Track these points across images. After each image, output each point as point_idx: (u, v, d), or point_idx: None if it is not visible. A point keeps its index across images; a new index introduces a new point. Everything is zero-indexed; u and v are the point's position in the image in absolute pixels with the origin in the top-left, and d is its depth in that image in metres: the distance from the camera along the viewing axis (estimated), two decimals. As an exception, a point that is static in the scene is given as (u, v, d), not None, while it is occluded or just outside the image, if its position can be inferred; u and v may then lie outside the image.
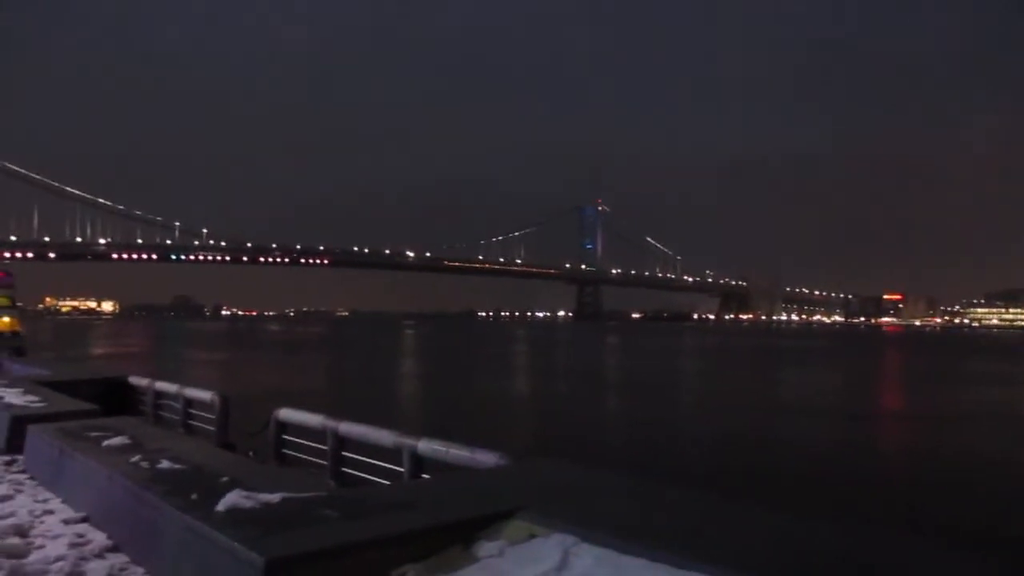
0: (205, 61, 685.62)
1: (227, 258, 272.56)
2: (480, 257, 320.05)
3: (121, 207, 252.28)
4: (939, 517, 16.80)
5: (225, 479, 6.40)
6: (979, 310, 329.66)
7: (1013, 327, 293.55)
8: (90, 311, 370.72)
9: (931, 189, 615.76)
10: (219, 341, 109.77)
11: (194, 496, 5.82)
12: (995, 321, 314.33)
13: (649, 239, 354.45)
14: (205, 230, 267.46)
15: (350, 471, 9.77)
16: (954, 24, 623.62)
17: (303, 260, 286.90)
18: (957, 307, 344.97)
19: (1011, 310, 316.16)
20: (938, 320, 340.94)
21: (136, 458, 7.56)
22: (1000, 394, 46.84)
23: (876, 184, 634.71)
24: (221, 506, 5.37)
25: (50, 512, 7.49)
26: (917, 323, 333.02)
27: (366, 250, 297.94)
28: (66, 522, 7.12)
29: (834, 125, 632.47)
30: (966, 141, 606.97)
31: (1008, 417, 36.00)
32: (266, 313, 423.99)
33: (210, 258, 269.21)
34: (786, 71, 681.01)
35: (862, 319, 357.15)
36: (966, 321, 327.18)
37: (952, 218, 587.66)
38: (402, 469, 8.60)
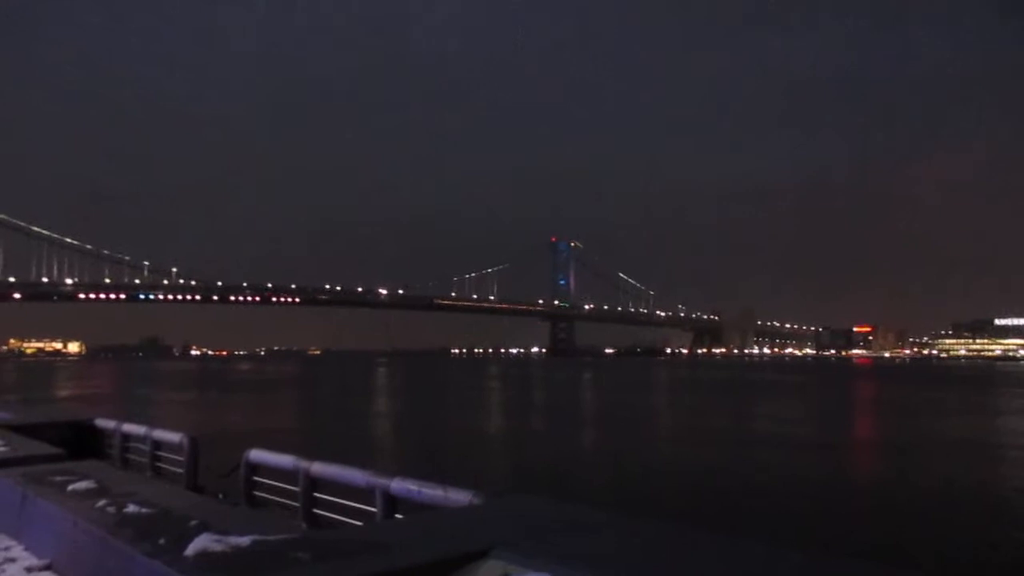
0: (172, 96, 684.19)
1: (197, 297, 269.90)
2: (453, 294, 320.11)
3: (89, 246, 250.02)
4: (896, 544, 16.90)
5: (194, 522, 6.27)
6: (947, 341, 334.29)
7: (980, 357, 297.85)
8: (56, 352, 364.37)
9: (900, 222, 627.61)
10: (188, 382, 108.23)
11: (162, 541, 5.68)
12: (963, 352, 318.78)
13: (622, 275, 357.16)
14: (174, 269, 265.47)
15: (322, 512, 9.62)
16: (926, 56, 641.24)
17: (274, 299, 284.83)
18: (926, 339, 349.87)
19: (978, 341, 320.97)
20: (907, 352, 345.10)
21: (102, 503, 7.39)
22: (963, 423, 47.48)
23: (846, 217, 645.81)
24: (190, 550, 5.26)
25: (12, 560, 7.29)
26: (887, 355, 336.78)
27: (338, 288, 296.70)
28: (29, 570, 6.94)
29: (806, 160, 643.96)
30: (936, 174, 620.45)
31: (966, 445, 36.42)
32: (237, 353, 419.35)
33: (179, 298, 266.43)
34: (760, 106, 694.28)
35: (833, 351, 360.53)
36: (935, 352, 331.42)
37: (920, 251, 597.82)
38: (375, 509, 8.49)
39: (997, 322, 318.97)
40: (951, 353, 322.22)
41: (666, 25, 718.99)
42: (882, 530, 19.13)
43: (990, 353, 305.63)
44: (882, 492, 25.38)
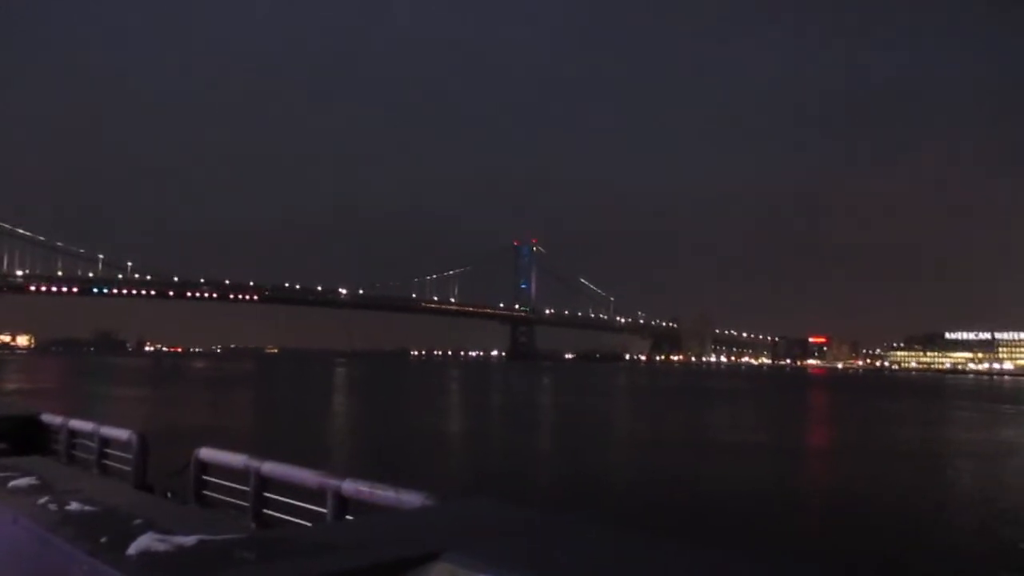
0: (132, 89, 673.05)
1: (152, 292, 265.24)
2: (414, 295, 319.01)
3: (42, 238, 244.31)
4: (837, 549, 17.21)
5: (139, 521, 6.15)
6: (899, 353, 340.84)
7: (930, 370, 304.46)
8: (4, 345, 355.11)
9: (855, 235, 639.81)
10: (141, 378, 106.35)
11: (104, 539, 5.55)
12: (914, 364, 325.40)
13: (583, 280, 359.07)
14: (130, 263, 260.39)
15: (272, 513, 9.52)
16: (876, 66, 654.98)
17: (232, 296, 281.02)
18: (878, 350, 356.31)
19: (928, 353, 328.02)
20: (860, 363, 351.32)
21: (44, 500, 7.22)
22: (902, 432, 48.67)
23: (804, 229, 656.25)
24: (132, 550, 5.14)
25: (-52, 557, 7.08)
26: (840, 365, 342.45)
27: (298, 286, 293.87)
28: (-35, 568, 6.74)
29: (765, 171, 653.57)
30: (892, 187, 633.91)
31: (910, 453, 37.26)
32: (193, 349, 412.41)
33: (134, 292, 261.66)
34: (719, 114, 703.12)
35: (788, 361, 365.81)
36: (887, 364, 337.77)
37: (875, 264, 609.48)
38: (325, 510, 8.41)
39: (947, 336, 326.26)
40: (903, 365, 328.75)
41: (633, 33, 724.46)
42: (824, 534, 19.47)
43: (940, 366, 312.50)
44: (830, 497, 25.85)
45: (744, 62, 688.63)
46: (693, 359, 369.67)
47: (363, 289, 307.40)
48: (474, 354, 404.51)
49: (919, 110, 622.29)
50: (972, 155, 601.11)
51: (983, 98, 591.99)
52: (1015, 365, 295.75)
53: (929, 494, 26.68)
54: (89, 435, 14.24)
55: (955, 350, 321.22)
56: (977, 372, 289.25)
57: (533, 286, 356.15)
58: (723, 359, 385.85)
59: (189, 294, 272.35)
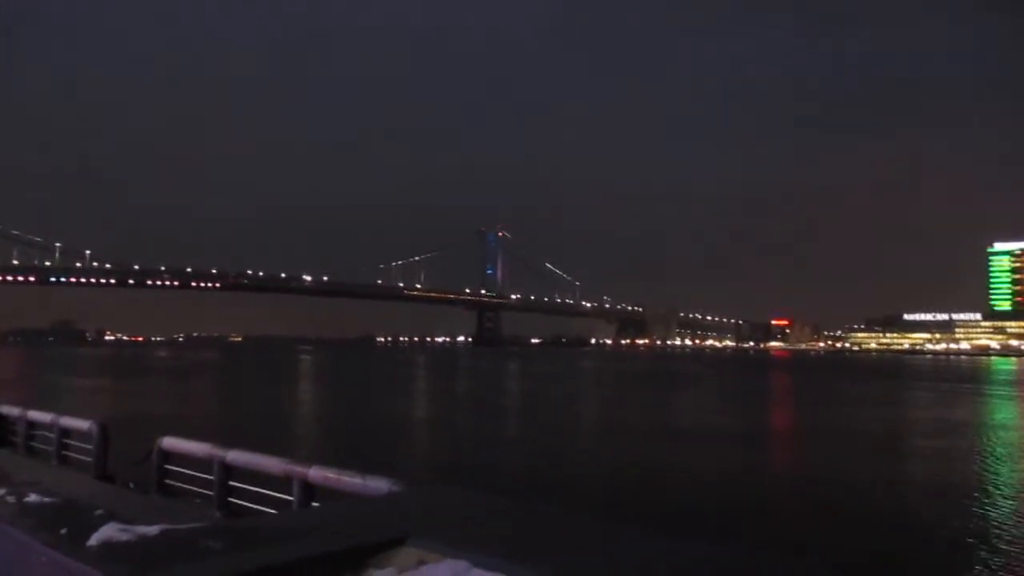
0: (94, 73, 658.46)
1: (112, 281, 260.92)
2: (380, 282, 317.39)
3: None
4: (804, 536, 17.53)
5: (100, 512, 6.08)
6: (859, 335, 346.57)
7: (889, 350, 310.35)
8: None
9: (817, 217, 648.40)
10: (101, 367, 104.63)
11: (64, 531, 5.48)
12: (873, 345, 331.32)
13: (549, 265, 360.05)
14: (88, 251, 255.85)
15: (237, 501, 9.46)
16: (839, 55, 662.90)
17: (194, 283, 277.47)
18: (839, 332, 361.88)
19: (888, 334, 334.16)
20: (822, 344, 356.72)
21: (2, 492, 7.11)
22: (858, 413, 49.63)
23: (767, 213, 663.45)
24: (93, 540, 5.07)
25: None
26: (803, 347, 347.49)
27: (261, 273, 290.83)
28: (-79, 563, 6.60)
29: (728, 158, 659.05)
30: (849, 171, 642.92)
31: (862, 434, 38.03)
32: (154, 338, 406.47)
33: (93, 281, 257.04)
34: (683, 105, 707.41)
35: (752, 343, 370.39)
36: (847, 345, 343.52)
37: (836, 246, 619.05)
38: (292, 498, 8.38)
39: (906, 317, 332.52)
40: (863, 346, 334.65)
41: (602, 27, 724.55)
42: (784, 516, 19.82)
43: (899, 347, 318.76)
44: (792, 479, 26.31)
45: (708, 55, 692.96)
46: (658, 343, 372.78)
47: (328, 276, 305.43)
48: (441, 340, 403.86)
49: (879, 101, 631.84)
50: (932, 143, 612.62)
51: (943, 89, 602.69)
52: (971, 345, 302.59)
53: (885, 473, 27.22)
54: (48, 426, 14.01)
55: (913, 331, 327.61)
56: (935, 352, 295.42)
57: (499, 272, 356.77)
58: (688, 342, 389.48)
59: (150, 282, 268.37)
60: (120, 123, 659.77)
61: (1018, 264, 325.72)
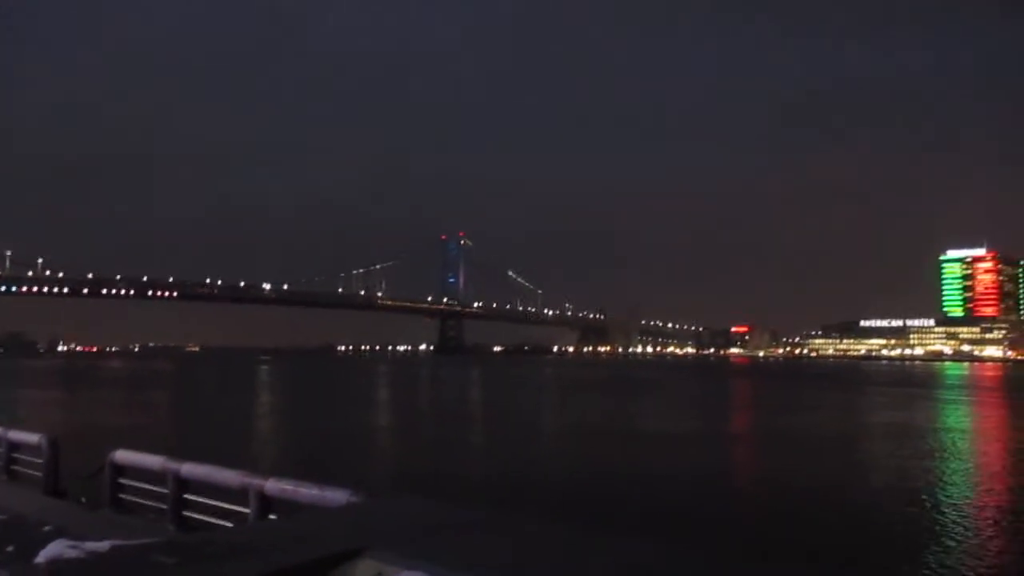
0: (47, 78, 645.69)
1: (65, 290, 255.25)
2: (340, 291, 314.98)
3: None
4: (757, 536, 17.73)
5: (49, 528, 5.92)
6: (817, 341, 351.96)
7: (846, 357, 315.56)
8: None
9: (775, 225, 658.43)
10: (53, 379, 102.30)
11: (10, 548, 5.32)
12: (831, 352, 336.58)
13: (511, 273, 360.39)
14: (40, 259, 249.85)
15: (193, 515, 9.29)
16: (806, 58, 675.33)
17: (150, 293, 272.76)
18: (798, 338, 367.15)
19: (844, 341, 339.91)
20: (780, 351, 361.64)
21: (-54, 509, 6.88)
22: (812, 418, 50.67)
23: (726, 221, 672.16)
24: (41, 557, 4.93)
25: None
26: (762, 354, 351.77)
27: (219, 282, 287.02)
28: None
29: (688, 164, 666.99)
30: (806, 178, 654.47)
31: (815, 437, 38.66)
32: (109, 349, 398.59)
33: (45, 290, 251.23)
34: (644, 111, 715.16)
35: (712, 350, 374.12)
36: (806, 352, 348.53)
37: (794, 253, 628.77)
38: (248, 511, 8.25)
39: (862, 323, 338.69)
40: (820, 352, 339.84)
41: (569, 30, 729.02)
42: (738, 518, 20.03)
43: (855, 353, 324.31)
44: (748, 482, 26.61)
45: (670, 61, 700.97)
46: (620, 350, 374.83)
47: (287, 284, 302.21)
48: (402, 349, 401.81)
49: (834, 108, 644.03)
50: (887, 151, 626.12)
51: (897, 97, 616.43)
52: (925, 351, 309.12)
53: (839, 475, 27.68)
54: (-4, 440, 13.65)
55: (870, 337, 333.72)
56: (890, 358, 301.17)
57: (461, 280, 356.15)
58: (649, 349, 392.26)
59: (104, 291, 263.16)
60: (69, 126, 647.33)
61: (969, 271, 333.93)
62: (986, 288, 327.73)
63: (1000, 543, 17.86)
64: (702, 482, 26.13)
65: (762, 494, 24.60)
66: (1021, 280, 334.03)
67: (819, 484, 25.84)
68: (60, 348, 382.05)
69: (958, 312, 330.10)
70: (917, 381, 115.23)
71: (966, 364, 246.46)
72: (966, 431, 44.67)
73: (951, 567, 15.68)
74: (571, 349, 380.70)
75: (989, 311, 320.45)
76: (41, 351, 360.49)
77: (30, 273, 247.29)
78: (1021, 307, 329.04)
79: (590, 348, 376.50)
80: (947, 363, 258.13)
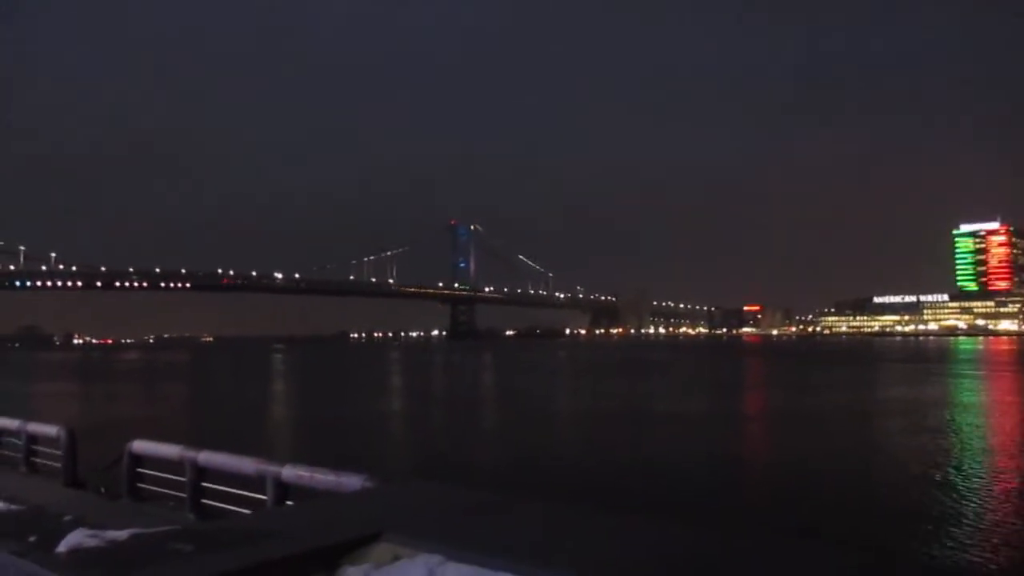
0: (52, 70, 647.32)
1: (79, 284, 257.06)
2: (352, 278, 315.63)
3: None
4: (777, 513, 17.75)
5: (69, 518, 5.99)
6: (830, 319, 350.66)
7: (860, 334, 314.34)
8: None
9: (787, 203, 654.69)
10: (69, 372, 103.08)
11: (32, 538, 5.39)
12: (844, 329, 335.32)
13: (522, 257, 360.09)
14: (53, 254, 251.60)
15: (211, 503, 9.38)
16: (808, 44, 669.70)
17: (163, 284, 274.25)
18: (810, 316, 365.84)
19: (858, 318, 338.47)
20: (793, 329, 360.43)
21: (-32, 502, 6.97)
22: (828, 395, 50.50)
23: (738, 200, 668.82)
24: (62, 547, 4.99)
25: None
26: (775, 332, 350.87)
27: (231, 272, 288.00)
28: None
29: (700, 144, 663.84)
30: (817, 156, 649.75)
31: (831, 415, 38.58)
32: (124, 341, 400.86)
33: (59, 284, 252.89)
34: (655, 93, 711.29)
35: (724, 330, 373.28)
36: (818, 329, 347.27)
37: (806, 230, 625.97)
38: (265, 497, 8.32)
39: (875, 300, 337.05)
40: (833, 330, 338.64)
41: (572, 18, 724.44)
42: (756, 499, 20.05)
43: (869, 329, 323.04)
44: (764, 461, 26.62)
45: (682, 44, 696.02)
46: (632, 332, 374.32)
47: (299, 273, 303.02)
48: (415, 335, 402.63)
49: (847, 89, 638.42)
50: (900, 126, 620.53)
51: (908, 74, 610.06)
52: (939, 326, 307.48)
53: (849, 453, 27.64)
54: (15, 433, 13.78)
55: (883, 314, 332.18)
56: (904, 334, 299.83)
57: (472, 265, 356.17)
58: (662, 330, 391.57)
59: (118, 284, 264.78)
60: (80, 122, 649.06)
61: (982, 245, 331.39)
62: (1000, 262, 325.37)
63: (1004, 518, 17.88)
64: (715, 463, 26.12)
65: (773, 474, 24.65)
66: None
67: (830, 462, 25.83)
68: (75, 341, 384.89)
69: (972, 286, 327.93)
70: (930, 357, 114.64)
71: (980, 338, 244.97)
72: (977, 407, 44.46)
73: (958, 542, 15.68)
74: (583, 332, 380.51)
75: (1003, 285, 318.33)
76: (57, 344, 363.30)
77: (44, 268, 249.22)
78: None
79: (602, 330, 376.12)
80: (961, 338, 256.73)
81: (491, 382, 76.00)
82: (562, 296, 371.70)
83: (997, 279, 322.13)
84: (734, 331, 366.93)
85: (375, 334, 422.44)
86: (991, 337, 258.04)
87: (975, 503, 19.22)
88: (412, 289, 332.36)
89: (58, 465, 12.36)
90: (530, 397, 54.66)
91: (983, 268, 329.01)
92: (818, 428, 34.79)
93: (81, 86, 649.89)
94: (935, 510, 18.51)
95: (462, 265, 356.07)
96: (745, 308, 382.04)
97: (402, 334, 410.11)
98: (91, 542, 5.04)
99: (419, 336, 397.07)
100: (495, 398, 57.27)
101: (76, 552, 4.91)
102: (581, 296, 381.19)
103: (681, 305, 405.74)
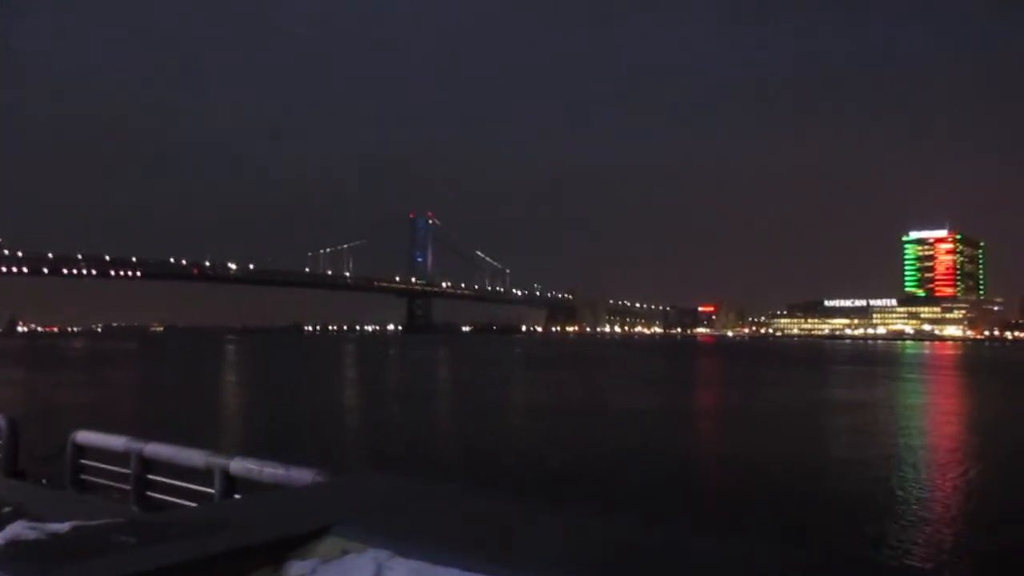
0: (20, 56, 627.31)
1: (24, 269, 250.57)
2: (307, 269, 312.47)
3: None
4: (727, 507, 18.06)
5: (8, 509, 5.85)
6: (782, 320, 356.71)
7: (811, 336, 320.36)
8: None
9: (740, 205, 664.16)
10: (13, 359, 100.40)
11: (-32, 530, 5.24)
12: (796, 331, 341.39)
13: (479, 252, 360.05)
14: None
15: (157, 495, 9.24)
16: (765, 46, 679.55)
17: (113, 272, 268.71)
18: (763, 318, 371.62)
19: (810, 320, 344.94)
20: (746, 330, 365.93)
21: (-99, 491, 6.76)
22: (774, 394, 51.81)
23: (692, 200, 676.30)
24: (1, 539, 4.87)
25: None
26: (729, 333, 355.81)
27: (183, 261, 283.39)
28: None
29: (647, 142, 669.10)
30: (770, 158, 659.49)
31: (777, 413, 39.40)
32: (70, 329, 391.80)
33: (4, 269, 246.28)
34: (613, 88, 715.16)
35: (679, 329, 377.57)
36: (771, 331, 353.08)
37: (760, 233, 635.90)
38: (213, 491, 8.21)
39: (826, 303, 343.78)
40: (785, 332, 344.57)
41: (536, 13, 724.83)
42: (695, 492, 20.37)
43: (820, 332, 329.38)
44: (708, 456, 27.06)
45: (636, 40, 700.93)
46: (588, 330, 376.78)
47: (254, 263, 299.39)
48: (370, 328, 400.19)
49: (799, 90, 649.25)
50: (852, 133, 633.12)
51: (860, 79, 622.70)
52: (887, 330, 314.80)
53: (791, 450, 28.26)
54: (-47, 421, 13.41)
55: (833, 317, 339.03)
56: (853, 337, 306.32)
57: (429, 259, 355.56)
58: (617, 329, 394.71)
59: (66, 270, 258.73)
60: (42, 106, 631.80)
61: (930, 252, 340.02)
62: (946, 268, 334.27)
63: (932, 513, 18.53)
64: (661, 457, 26.58)
65: (716, 468, 25.15)
66: (981, 261, 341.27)
67: (772, 458, 26.40)
68: (20, 328, 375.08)
69: (919, 292, 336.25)
70: (875, 359, 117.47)
71: (926, 343, 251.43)
72: (913, 408, 45.88)
73: (892, 535, 16.16)
74: (539, 329, 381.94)
75: (949, 291, 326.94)
76: (0, 331, 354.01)
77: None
78: (981, 287, 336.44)
79: (558, 327, 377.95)
80: (908, 342, 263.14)
81: (446, 376, 75.96)
82: (519, 293, 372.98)
83: (943, 285, 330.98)
84: (688, 331, 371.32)
85: (330, 327, 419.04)
86: (936, 342, 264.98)
87: (904, 498, 19.90)
88: (368, 282, 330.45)
89: (-3, 455, 12.07)
90: (484, 391, 54.79)
91: (930, 275, 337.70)
92: (763, 426, 35.60)
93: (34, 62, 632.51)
94: (867, 505, 19.12)
95: (419, 259, 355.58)
96: (700, 308, 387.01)
97: (357, 327, 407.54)
98: (31, 534, 4.91)
99: (375, 329, 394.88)
100: (449, 391, 57.28)
101: (15, 544, 4.78)
102: (538, 293, 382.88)
103: (637, 304, 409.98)
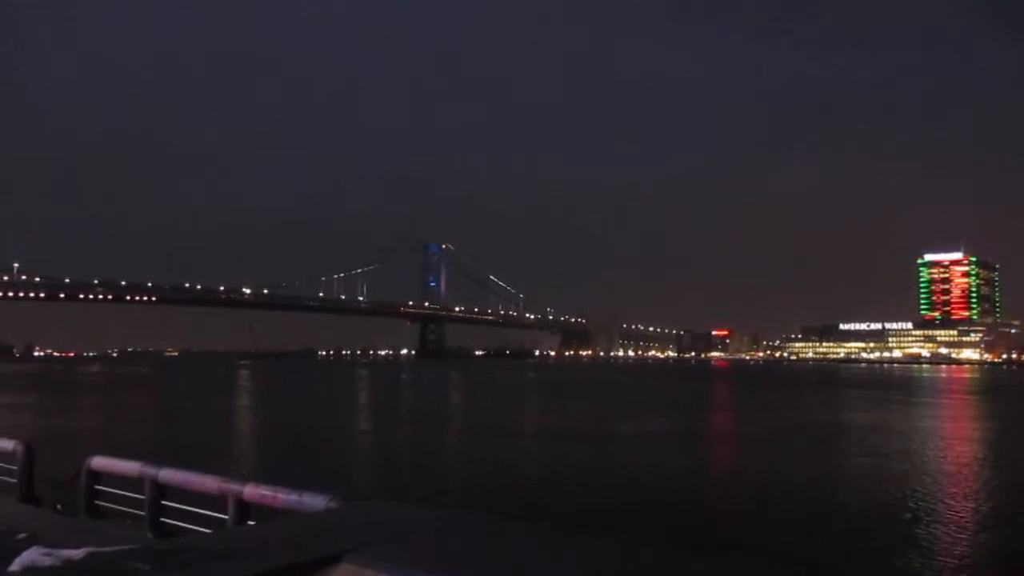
0: (25, 77, 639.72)
1: (41, 295, 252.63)
2: (321, 294, 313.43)
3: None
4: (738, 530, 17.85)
5: (23, 536, 5.87)
6: (797, 344, 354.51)
7: (826, 360, 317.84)
8: None
9: (756, 228, 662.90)
10: (29, 384, 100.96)
11: (-16, 556, 5.27)
12: (810, 354, 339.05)
13: (492, 277, 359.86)
14: (16, 264, 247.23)
15: (170, 521, 9.23)
16: (781, 68, 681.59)
17: (128, 297, 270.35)
18: (778, 341, 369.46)
19: (824, 344, 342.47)
20: (761, 354, 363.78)
21: (-82, 517, 6.80)
22: (791, 417, 51.15)
23: (708, 225, 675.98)
24: (15, 565, 4.90)
25: None
26: (743, 357, 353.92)
27: (198, 287, 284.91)
28: None
29: (668, 168, 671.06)
30: (787, 183, 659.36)
31: (793, 437, 39.00)
32: (86, 354, 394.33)
33: (21, 295, 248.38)
34: (622, 113, 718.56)
35: (693, 353, 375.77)
36: (785, 355, 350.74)
37: (774, 257, 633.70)
38: (227, 516, 8.20)
39: (841, 327, 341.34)
40: (800, 355, 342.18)
41: (538, 35, 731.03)
42: (712, 514, 20.16)
43: (835, 356, 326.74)
44: (721, 483, 26.80)
45: (645, 62, 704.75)
46: (602, 354, 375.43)
47: (267, 288, 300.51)
48: (383, 353, 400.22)
49: (816, 114, 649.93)
50: (868, 157, 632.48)
51: (877, 104, 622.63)
52: (903, 354, 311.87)
53: (806, 474, 27.96)
54: (-31, 447, 13.47)
55: (849, 340, 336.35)
56: (869, 361, 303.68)
57: (443, 284, 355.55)
58: (631, 353, 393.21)
59: (82, 296, 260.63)
60: (46, 131, 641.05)
61: (946, 275, 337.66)
62: (962, 291, 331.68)
63: (938, 533, 18.35)
64: (676, 482, 26.35)
65: (730, 493, 24.89)
66: (997, 283, 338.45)
67: (787, 482, 26.14)
68: (36, 353, 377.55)
69: (935, 315, 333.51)
70: (891, 384, 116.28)
71: (943, 367, 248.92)
72: (926, 432, 45.34)
73: (904, 560, 15.96)
74: (553, 353, 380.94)
75: (965, 314, 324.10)
76: (17, 355, 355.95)
77: (5, 278, 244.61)
78: (997, 310, 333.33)
79: (572, 352, 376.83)
80: (924, 366, 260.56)
81: (459, 401, 75.70)
82: (532, 317, 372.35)
83: (960, 308, 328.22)
84: (702, 355, 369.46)
85: (343, 351, 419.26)
86: (953, 365, 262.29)
87: (914, 519, 19.69)
88: (381, 307, 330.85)
89: (14, 481, 12.10)
90: (498, 417, 54.54)
91: (946, 297, 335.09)
92: (777, 449, 35.33)
93: (42, 94, 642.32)
94: (877, 526, 18.92)
95: (432, 284, 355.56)
96: (714, 332, 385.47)
97: (371, 352, 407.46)
98: (46, 560, 4.95)
99: (388, 354, 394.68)
100: (462, 417, 57.05)
101: (30, 571, 4.81)
102: (551, 318, 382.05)
103: (651, 328, 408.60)
